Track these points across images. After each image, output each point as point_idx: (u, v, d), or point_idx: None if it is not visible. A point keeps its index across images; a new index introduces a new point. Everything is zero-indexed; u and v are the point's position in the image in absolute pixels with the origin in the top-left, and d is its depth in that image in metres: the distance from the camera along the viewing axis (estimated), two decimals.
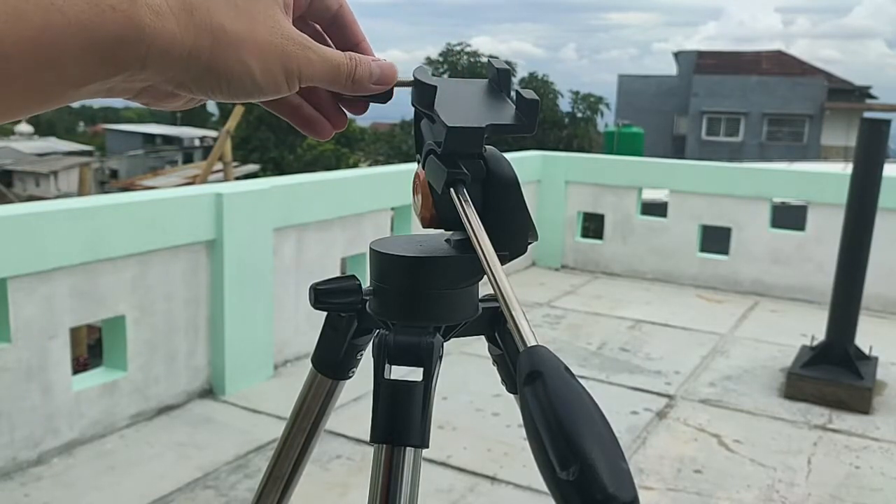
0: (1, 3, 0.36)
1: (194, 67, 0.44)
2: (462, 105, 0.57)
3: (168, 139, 39.94)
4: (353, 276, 0.67)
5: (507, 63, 0.63)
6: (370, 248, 0.63)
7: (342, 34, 0.56)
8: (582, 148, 21.50)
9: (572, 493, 0.38)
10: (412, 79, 0.57)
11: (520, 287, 5.39)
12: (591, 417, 0.40)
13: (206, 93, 0.47)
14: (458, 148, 0.56)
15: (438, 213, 0.60)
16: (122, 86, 0.44)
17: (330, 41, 0.56)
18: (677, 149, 30.61)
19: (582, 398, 0.41)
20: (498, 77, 0.60)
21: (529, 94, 0.57)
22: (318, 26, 0.56)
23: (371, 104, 0.58)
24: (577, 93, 24.62)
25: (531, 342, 0.45)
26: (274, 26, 0.47)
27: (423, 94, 0.56)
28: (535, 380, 0.43)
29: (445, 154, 0.56)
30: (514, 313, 0.48)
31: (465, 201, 0.55)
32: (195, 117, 49.34)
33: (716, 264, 5.82)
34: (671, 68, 34.94)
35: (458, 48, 25.35)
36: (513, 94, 0.58)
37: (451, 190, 0.56)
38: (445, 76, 0.61)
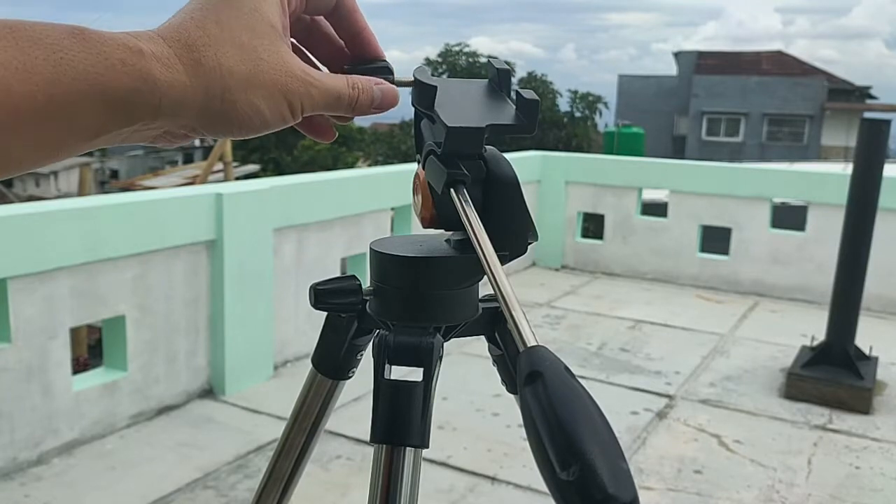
0: (9, 56, 0.36)
1: (206, 113, 0.45)
2: (462, 105, 0.57)
3: None
4: (354, 277, 0.67)
5: (507, 63, 0.63)
6: (370, 248, 0.63)
7: (344, 23, 0.57)
8: (581, 147, 21.49)
9: (572, 493, 0.38)
10: (412, 79, 0.57)
11: (520, 287, 5.39)
12: (591, 418, 0.40)
13: (218, 134, 0.47)
14: (458, 148, 0.56)
15: (438, 213, 0.60)
16: (136, 135, 0.44)
17: (333, 30, 0.57)
18: (677, 149, 30.60)
19: (582, 398, 0.41)
20: (498, 77, 0.60)
21: (529, 94, 0.57)
22: (316, 19, 0.56)
23: None
24: (575, 92, 24.59)
25: (531, 342, 0.45)
26: (277, 62, 0.47)
27: (424, 94, 0.56)
28: (535, 380, 0.43)
29: (445, 154, 0.56)
30: (514, 313, 0.48)
31: (465, 202, 0.55)
32: None
33: (716, 264, 5.82)
34: (671, 68, 34.96)
35: (457, 48, 25.34)
36: (513, 94, 0.58)
37: (451, 190, 0.56)
38: (444, 76, 0.61)
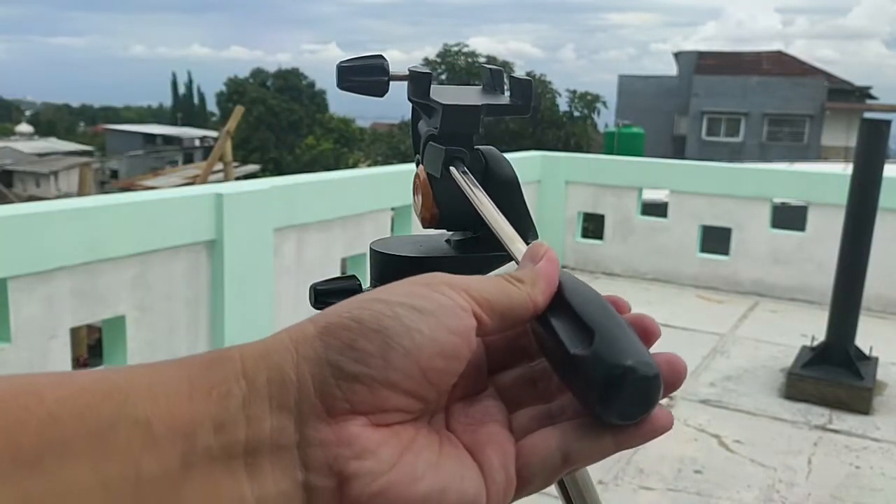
0: None
1: None
2: (457, 94, 0.58)
3: (168, 139, 39.94)
4: (354, 277, 0.67)
5: (502, 64, 0.64)
6: (370, 249, 0.63)
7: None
8: (580, 147, 21.49)
9: (589, 367, 0.34)
10: (406, 73, 0.57)
11: None
12: (604, 305, 0.37)
13: None
14: (455, 128, 0.56)
15: (439, 212, 0.60)
16: None
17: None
18: (677, 149, 30.60)
19: (593, 291, 0.38)
20: (491, 76, 0.61)
21: (522, 76, 0.57)
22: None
23: (368, 99, 0.59)
24: (574, 92, 24.60)
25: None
26: None
27: (419, 83, 0.56)
28: None
29: (443, 134, 0.56)
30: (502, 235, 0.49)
31: (467, 178, 0.55)
32: (195, 118, 49.39)
33: (716, 264, 5.82)
34: (670, 68, 34.98)
35: (456, 49, 25.34)
36: (506, 82, 0.59)
37: (452, 169, 0.55)
38: (443, 77, 0.61)
